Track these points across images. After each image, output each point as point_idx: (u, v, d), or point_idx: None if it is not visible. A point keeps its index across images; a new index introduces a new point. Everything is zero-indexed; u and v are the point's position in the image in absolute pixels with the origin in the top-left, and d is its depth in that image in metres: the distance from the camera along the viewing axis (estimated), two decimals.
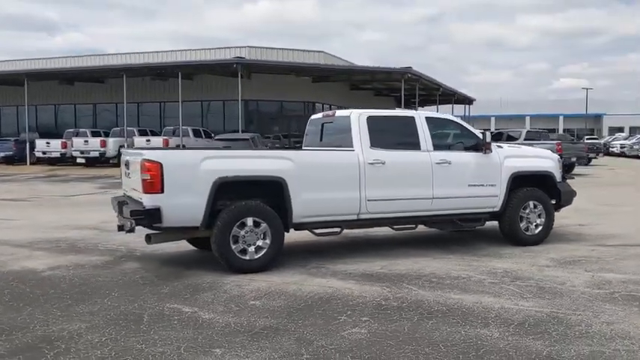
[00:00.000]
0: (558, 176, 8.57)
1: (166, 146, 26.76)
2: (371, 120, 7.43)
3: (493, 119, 76.21)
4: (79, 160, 28.25)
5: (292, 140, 31.31)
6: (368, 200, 7.19)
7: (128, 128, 28.54)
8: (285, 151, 7.17)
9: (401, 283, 6.08)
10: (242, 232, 6.56)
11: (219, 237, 6.45)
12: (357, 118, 7.40)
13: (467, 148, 7.99)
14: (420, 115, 7.85)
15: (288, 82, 31.47)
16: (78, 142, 28.29)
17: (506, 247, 8.04)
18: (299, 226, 7.01)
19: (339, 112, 7.94)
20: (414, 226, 7.72)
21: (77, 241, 8.72)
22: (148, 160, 6.28)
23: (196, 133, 28.88)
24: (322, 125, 8.24)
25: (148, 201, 6.27)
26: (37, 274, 6.67)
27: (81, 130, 30.59)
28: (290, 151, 7.23)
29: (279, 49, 34.56)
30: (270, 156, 6.99)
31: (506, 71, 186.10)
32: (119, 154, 27.90)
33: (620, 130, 79.19)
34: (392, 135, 7.57)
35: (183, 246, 8.01)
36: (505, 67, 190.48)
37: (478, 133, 8.18)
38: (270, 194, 6.81)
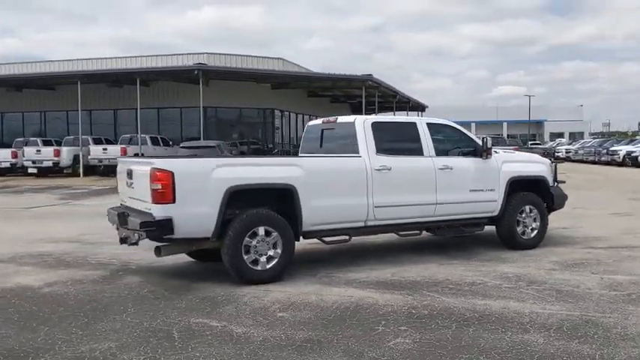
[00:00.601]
0: (551, 180, 8.73)
1: (125, 154, 26.09)
2: (375, 126, 7.38)
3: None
4: (30, 170, 27.12)
5: (250, 147, 31.07)
6: (375, 207, 7.13)
7: (82, 137, 27.59)
8: (294, 158, 7.03)
9: (421, 291, 6.03)
10: (254, 242, 6.38)
11: (232, 247, 6.26)
12: (362, 123, 7.33)
13: (465, 154, 8.05)
14: (422, 120, 7.86)
15: (246, 88, 31.20)
16: (29, 152, 27.16)
17: (504, 251, 8.12)
18: (308, 235, 6.89)
19: (342, 119, 7.86)
20: (418, 232, 7.70)
21: (63, 255, 8.31)
22: (159, 169, 6.03)
23: (154, 141, 28.24)
24: (322, 132, 8.13)
25: (159, 211, 6.02)
26: (35, 290, 6.29)
27: (31, 139, 29.43)
28: (299, 157, 7.09)
29: (238, 55, 34.27)
30: (279, 163, 6.86)
31: (448, 79, 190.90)
32: (74, 164, 27.08)
33: (560, 135, 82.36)
34: (395, 141, 7.54)
35: (179, 258, 7.76)
36: (447, 75, 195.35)
37: (475, 138, 8.27)
38: (279, 202, 6.66)
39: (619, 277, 6.53)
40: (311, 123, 8.61)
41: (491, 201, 8.05)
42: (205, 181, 6.19)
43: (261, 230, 6.41)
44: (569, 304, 5.47)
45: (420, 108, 45.32)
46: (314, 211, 6.71)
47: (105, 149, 26.59)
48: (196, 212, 6.14)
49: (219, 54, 33.61)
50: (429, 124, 7.82)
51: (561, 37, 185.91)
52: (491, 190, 8.05)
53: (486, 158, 7.98)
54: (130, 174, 6.70)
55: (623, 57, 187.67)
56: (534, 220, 8.39)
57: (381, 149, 7.27)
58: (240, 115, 33.34)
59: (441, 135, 7.91)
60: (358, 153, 7.21)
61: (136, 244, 6.67)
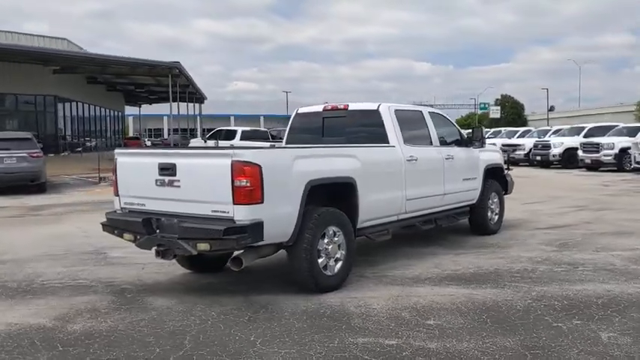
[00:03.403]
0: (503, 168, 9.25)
1: None
2: (397, 113, 6.98)
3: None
4: None
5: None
6: (407, 199, 6.76)
7: None
8: (350, 149, 6.22)
9: (501, 282, 5.87)
10: (324, 245, 5.57)
11: (309, 251, 5.37)
12: (388, 110, 6.87)
13: (454, 143, 8.04)
14: (425, 109, 7.66)
15: (22, 72, 26.96)
16: None
17: (476, 237, 8.36)
18: (358, 232, 6.23)
19: (357, 105, 7.20)
20: (433, 225, 7.45)
21: (25, 281, 6.29)
22: (246, 163, 4.86)
23: None
24: (323, 120, 7.38)
25: (246, 214, 4.87)
26: (62, 331, 4.63)
27: None
28: (354, 148, 6.30)
29: (16, 32, 29.37)
30: (341, 154, 6.01)
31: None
32: None
33: None
34: (412, 130, 7.21)
35: (170, 271, 6.50)
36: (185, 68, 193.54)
37: (458, 127, 8.35)
38: (337, 198, 5.90)
39: (622, 253, 7.17)
40: (302, 110, 7.72)
41: (475, 189, 8.23)
42: (288, 176, 5.21)
43: (331, 230, 5.63)
44: None
45: (201, 100, 44.26)
46: (367, 206, 6.10)
47: None
48: (281, 213, 5.13)
49: None
50: (430, 113, 7.66)
51: (289, 38, 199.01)
52: (475, 178, 8.22)
53: (478, 147, 8.13)
54: (169, 169, 5.27)
55: (339, 60, 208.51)
56: (497, 206, 8.80)
57: (405, 139, 6.90)
58: (15, 101, 28.65)
59: (438, 124, 7.78)
60: (388, 143, 6.74)
61: (175, 257, 5.37)
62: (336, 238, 5.68)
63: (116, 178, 5.77)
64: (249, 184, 4.85)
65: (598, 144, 22.39)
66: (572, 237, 8.32)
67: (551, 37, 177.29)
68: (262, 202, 4.93)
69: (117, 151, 5.88)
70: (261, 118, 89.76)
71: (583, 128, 25.93)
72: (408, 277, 6.16)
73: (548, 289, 5.62)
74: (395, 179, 6.58)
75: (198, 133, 45.61)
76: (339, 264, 5.72)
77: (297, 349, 4.14)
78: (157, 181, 5.36)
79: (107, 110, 41.55)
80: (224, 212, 4.94)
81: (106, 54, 27.22)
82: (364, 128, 7.00)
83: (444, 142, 7.70)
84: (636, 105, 61.58)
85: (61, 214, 11.99)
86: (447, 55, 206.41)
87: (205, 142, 24.86)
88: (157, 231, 5.35)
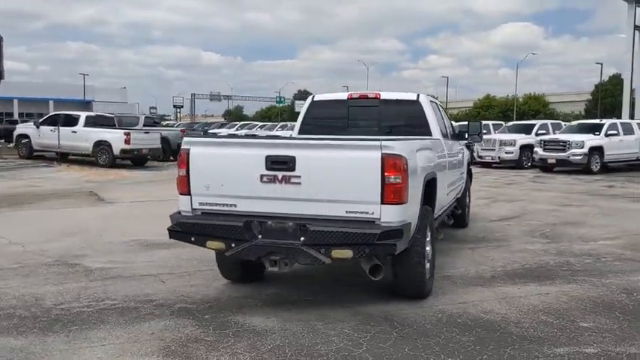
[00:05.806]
0: None
1: None
2: (432, 104, 6.67)
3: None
4: None
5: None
6: (446, 194, 6.52)
7: None
8: (427, 141, 5.65)
9: (565, 277, 5.93)
10: (425, 245, 5.09)
11: (422, 254, 4.87)
12: (427, 100, 6.52)
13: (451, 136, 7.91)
14: (435, 101, 7.41)
15: None
16: None
17: (458, 230, 8.42)
18: None
19: (390, 95, 6.66)
20: (452, 220, 7.27)
21: (33, 307, 4.74)
22: (397, 156, 4.20)
23: None
24: (349, 109, 6.72)
25: (395, 215, 4.24)
26: None
27: None
28: (429, 140, 5.71)
29: None
30: (427, 147, 5.46)
31: None
32: None
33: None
34: (440, 122, 6.94)
35: (207, 283, 5.52)
36: None
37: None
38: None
39: (610, 242, 7.71)
40: (320, 98, 6.89)
41: (463, 182, 8.24)
42: (417, 170, 4.63)
43: (427, 230, 5.16)
44: None
45: None
46: (437, 202, 5.73)
47: None
48: (414, 212, 4.56)
49: None
50: (439, 105, 7.45)
51: (64, 16, 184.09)
52: (464, 172, 8.23)
53: (474, 142, 8.12)
54: (285, 163, 4.34)
55: (121, 44, 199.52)
56: (469, 198, 8.93)
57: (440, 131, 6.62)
58: None
59: (444, 117, 7.58)
60: (430, 135, 6.38)
61: (286, 267, 4.49)
62: (428, 238, 5.23)
63: (188, 173, 4.62)
64: (400, 181, 4.22)
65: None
66: (539, 228, 8.72)
67: (331, 37, 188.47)
68: (407, 201, 4.32)
69: (188, 140, 4.69)
70: (51, 103, 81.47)
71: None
72: (470, 277, 5.94)
73: (618, 281, 5.79)
74: (444, 171, 6.29)
75: None
76: (428, 265, 5.28)
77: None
78: (262, 177, 4.40)
79: None
80: (365, 213, 4.24)
81: None
82: (402, 119, 6.55)
83: (452, 136, 7.56)
84: None
85: None
86: (236, 47, 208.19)
87: (38, 127, 21.67)
88: (259, 237, 4.42)
